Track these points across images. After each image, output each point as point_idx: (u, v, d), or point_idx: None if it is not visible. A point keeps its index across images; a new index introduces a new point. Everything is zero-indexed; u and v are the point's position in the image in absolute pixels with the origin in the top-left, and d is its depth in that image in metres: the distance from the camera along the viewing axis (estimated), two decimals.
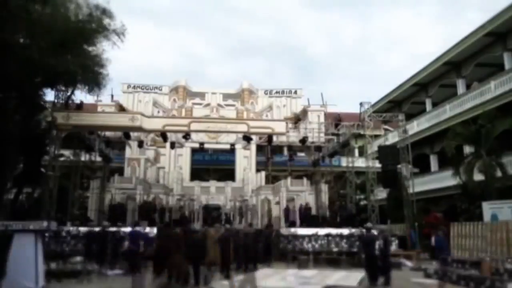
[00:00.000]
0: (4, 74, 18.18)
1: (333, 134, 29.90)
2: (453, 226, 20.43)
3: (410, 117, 32.37)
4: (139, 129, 25.49)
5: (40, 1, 19.46)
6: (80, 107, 25.66)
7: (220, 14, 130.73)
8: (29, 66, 18.59)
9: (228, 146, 29.52)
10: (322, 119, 36.25)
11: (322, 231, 22.54)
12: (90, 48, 22.54)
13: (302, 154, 38.38)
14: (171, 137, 27.32)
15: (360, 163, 31.31)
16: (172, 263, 13.26)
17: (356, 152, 36.61)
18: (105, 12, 21.56)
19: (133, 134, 26.70)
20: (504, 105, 24.02)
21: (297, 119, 38.36)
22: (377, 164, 26.56)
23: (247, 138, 27.25)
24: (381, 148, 26.68)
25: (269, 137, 27.18)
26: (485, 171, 22.01)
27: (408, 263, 19.99)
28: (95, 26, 21.59)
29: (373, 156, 27.02)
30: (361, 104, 27.90)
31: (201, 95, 42.95)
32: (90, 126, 24.95)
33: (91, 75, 22.58)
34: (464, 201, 24.24)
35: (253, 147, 36.44)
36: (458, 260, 16.37)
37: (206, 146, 29.91)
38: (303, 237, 22.29)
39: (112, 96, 38.21)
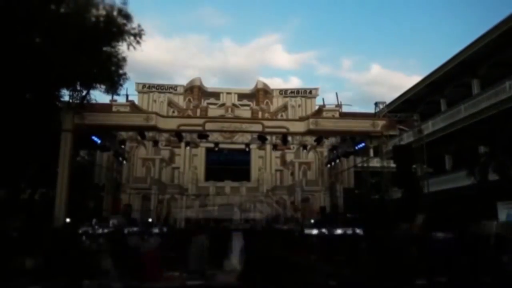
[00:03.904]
0: (20, 74, 18.41)
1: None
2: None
3: (425, 117, 32.12)
4: (154, 128, 25.71)
5: (56, 1, 19.70)
6: (92, 106, 25.79)
7: None
8: (45, 66, 18.81)
9: (243, 146, 29.53)
10: None
11: None
12: (107, 48, 22.72)
13: None
14: (186, 137, 27.41)
15: (375, 162, 31.26)
16: None
17: (371, 152, 36.51)
18: (121, 13, 21.77)
19: (148, 134, 26.85)
20: None
21: None
22: (392, 164, 26.46)
23: (262, 138, 27.28)
24: (396, 148, 26.58)
25: (284, 137, 27.18)
26: (500, 171, 21.86)
27: None
28: (112, 27, 21.78)
29: (388, 156, 26.91)
30: (376, 104, 27.90)
31: (216, 95, 43.26)
32: (105, 126, 25.20)
33: (108, 75, 22.79)
34: (479, 201, 24.08)
35: (268, 147, 36.47)
36: None
37: (221, 146, 29.91)
38: None
39: (127, 96, 38.43)
